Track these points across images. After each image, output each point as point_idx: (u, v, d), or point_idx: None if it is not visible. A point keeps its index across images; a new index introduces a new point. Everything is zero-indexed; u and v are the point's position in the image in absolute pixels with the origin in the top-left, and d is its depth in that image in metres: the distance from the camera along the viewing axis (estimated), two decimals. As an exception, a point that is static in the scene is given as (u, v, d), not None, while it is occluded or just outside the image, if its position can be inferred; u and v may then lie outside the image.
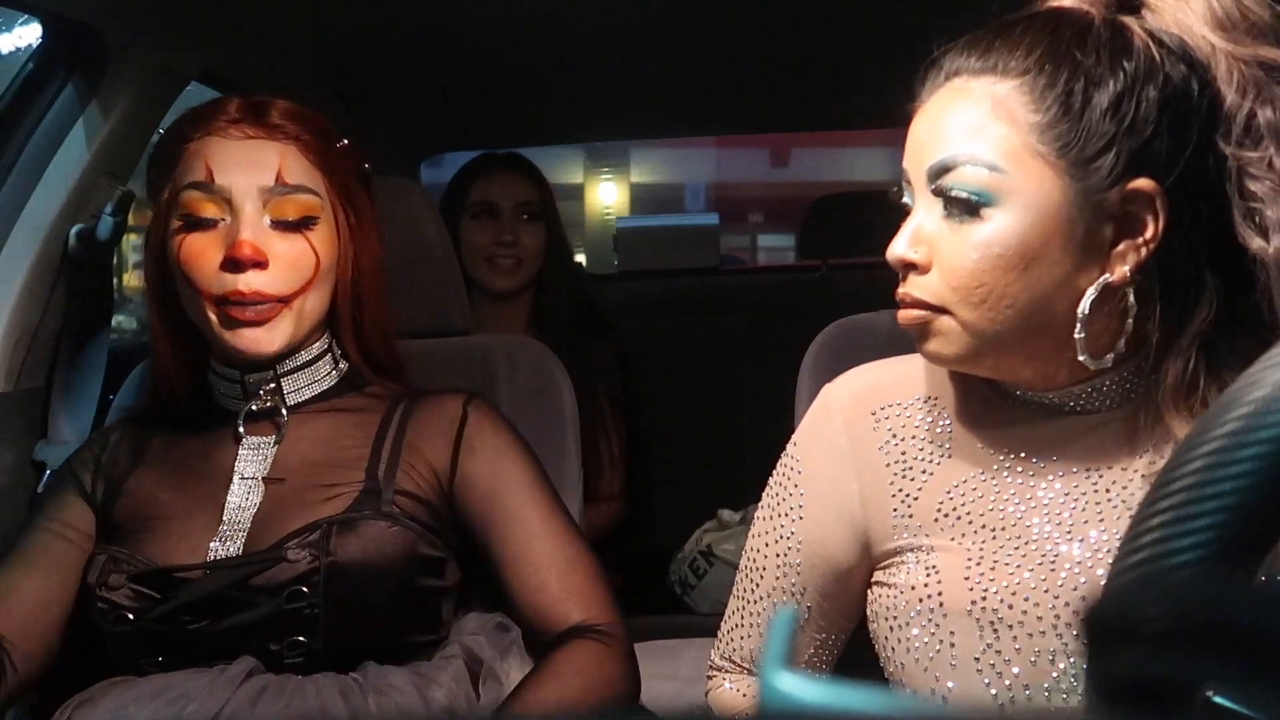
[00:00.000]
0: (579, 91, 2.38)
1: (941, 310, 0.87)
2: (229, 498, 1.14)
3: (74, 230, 1.49)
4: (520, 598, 1.15)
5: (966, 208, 0.84)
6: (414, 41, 1.96)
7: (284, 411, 1.18)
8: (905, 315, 0.89)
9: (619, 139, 5.61)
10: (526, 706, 1.05)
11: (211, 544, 1.10)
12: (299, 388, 1.20)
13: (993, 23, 0.88)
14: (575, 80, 2.28)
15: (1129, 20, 0.85)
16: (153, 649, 1.08)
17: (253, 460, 1.17)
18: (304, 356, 1.20)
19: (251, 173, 1.13)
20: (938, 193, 0.86)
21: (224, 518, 1.12)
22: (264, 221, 1.13)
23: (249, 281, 1.11)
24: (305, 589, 1.06)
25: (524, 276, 2.20)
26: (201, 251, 1.12)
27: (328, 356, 1.22)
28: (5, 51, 1.70)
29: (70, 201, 1.48)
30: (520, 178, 2.23)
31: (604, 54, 2.12)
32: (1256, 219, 0.82)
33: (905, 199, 0.91)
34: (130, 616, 1.07)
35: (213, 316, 1.13)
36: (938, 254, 0.86)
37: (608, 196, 9.23)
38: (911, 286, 0.88)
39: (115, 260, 1.61)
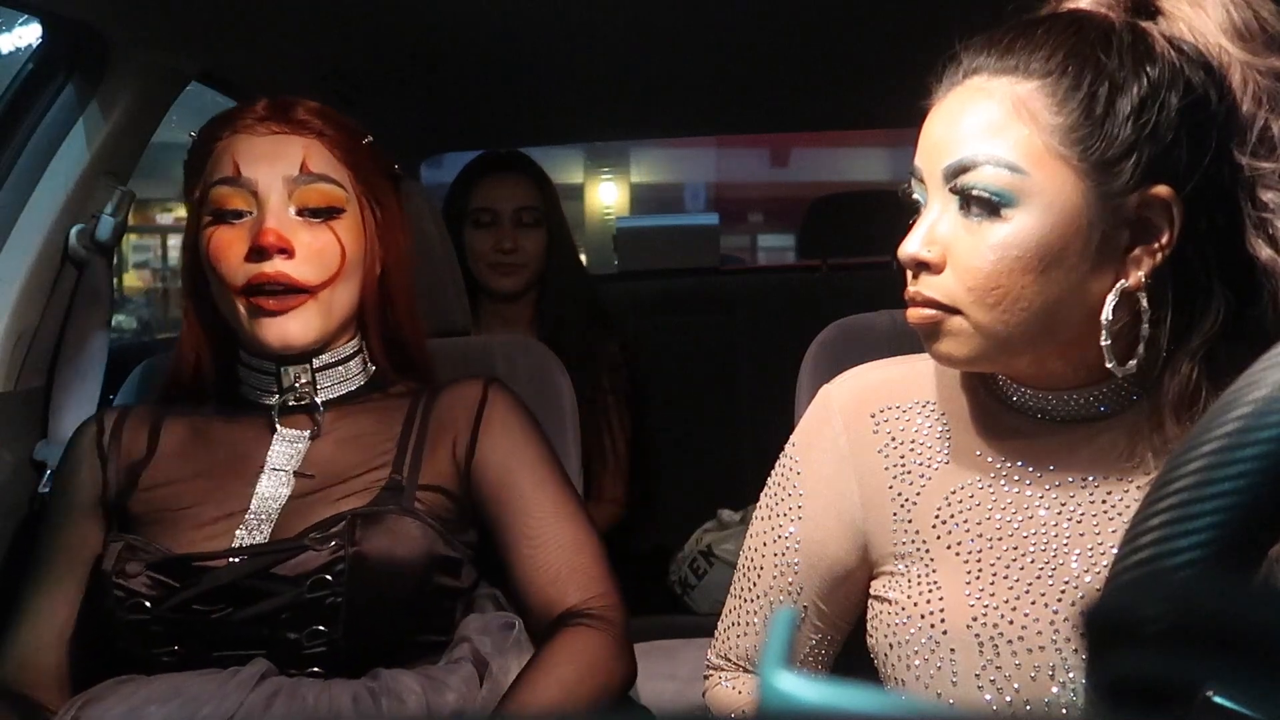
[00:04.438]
0: (579, 91, 2.38)
1: (953, 310, 0.86)
2: (258, 488, 1.15)
3: (74, 230, 1.48)
4: (523, 575, 1.17)
5: (987, 208, 0.83)
6: (413, 41, 1.95)
7: (320, 406, 1.20)
8: (916, 314, 0.88)
9: (619, 139, 5.60)
10: (522, 703, 1.05)
11: (237, 532, 1.11)
12: (330, 384, 1.21)
13: (1011, 22, 0.87)
14: (575, 80, 2.28)
15: (1148, 25, 0.84)
16: (169, 639, 1.07)
17: (285, 453, 1.18)
18: (338, 354, 1.22)
19: (277, 164, 1.15)
20: (955, 191, 0.85)
21: (251, 508, 1.13)
22: (289, 212, 1.15)
23: (275, 265, 1.12)
24: (329, 578, 1.06)
25: (527, 278, 2.21)
26: (229, 245, 1.14)
27: (359, 357, 1.24)
28: (5, 51, 1.70)
29: (70, 201, 1.47)
30: (520, 181, 2.23)
31: (604, 54, 2.11)
32: (1268, 229, 0.82)
33: (916, 196, 0.90)
34: (147, 604, 1.06)
35: (241, 309, 1.14)
36: (952, 254, 0.85)
37: (608, 196, 9.23)
38: (923, 286, 0.87)
39: (115, 260, 1.60)
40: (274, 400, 1.20)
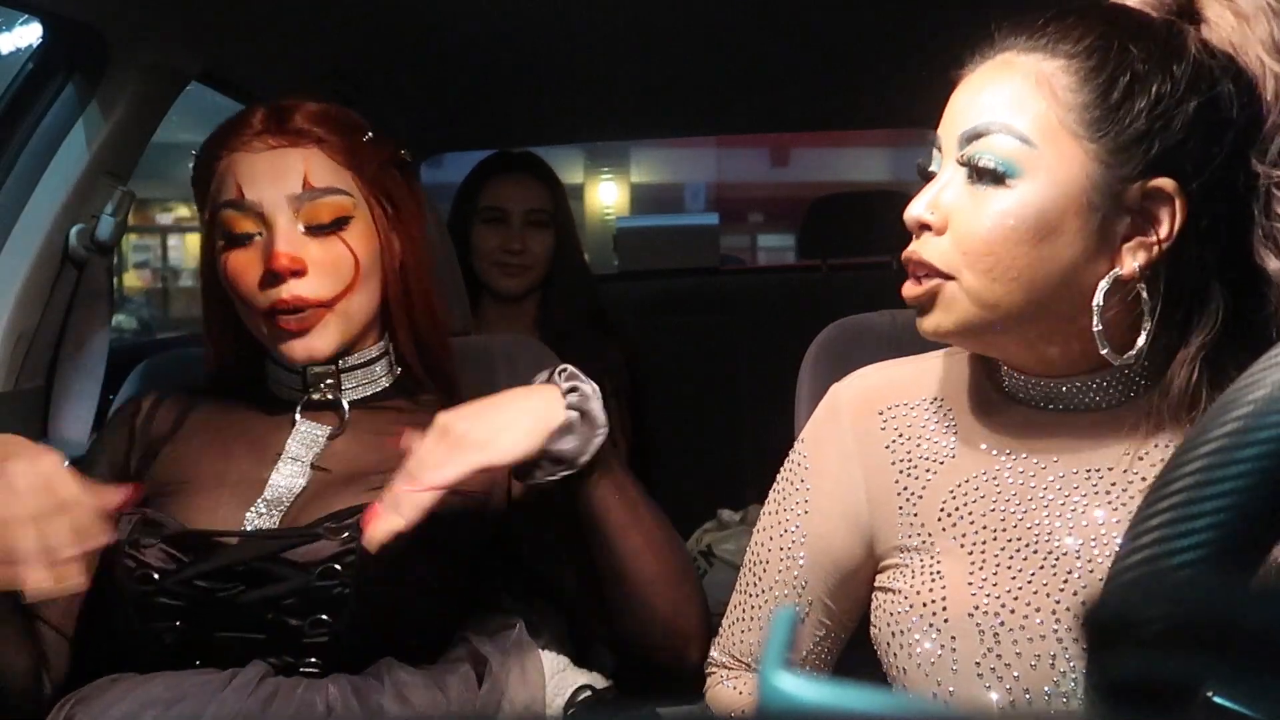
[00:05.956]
0: (579, 91, 2.38)
1: (947, 277, 0.88)
2: (274, 476, 1.16)
3: (74, 230, 1.49)
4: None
5: (992, 177, 0.85)
6: (414, 41, 1.96)
7: (345, 404, 1.21)
8: (911, 289, 0.90)
9: (619, 139, 5.61)
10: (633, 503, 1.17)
11: (248, 514, 1.12)
12: (355, 385, 1.23)
13: (1051, 11, 0.89)
14: (575, 80, 2.28)
15: (1185, 27, 0.86)
16: (171, 613, 1.07)
17: (304, 444, 1.19)
18: (364, 356, 1.23)
19: (279, 183, 1.15)
20: (965, 159, 0.87)
21: (265, 494, 1.14)
22: (298, 229, 1.15)
23: (291, 289, 1.13)
24: (338, 567, 1.06)
25: (531, 280, 2.20)
26: (244, 268, 1.15)
27: (385, 359, 1.25)
28: (5, 51, 1.70)
29: (70, 201, 1.48)
30: (531, 181, 2.23)
31: (604, 54, 2.12)
32: (1278, 240, 0.83)
33: (933, 166, 0.92)
34: (156, 576, 1.07)
35: (264, 329, 1.16)
36: (954, 219, 0.87)
37: (608, 196, 9.24)
38: (920, 247, 0.89)
39: (115, 260, 1.61)
40: (299, 396, 1.22)
